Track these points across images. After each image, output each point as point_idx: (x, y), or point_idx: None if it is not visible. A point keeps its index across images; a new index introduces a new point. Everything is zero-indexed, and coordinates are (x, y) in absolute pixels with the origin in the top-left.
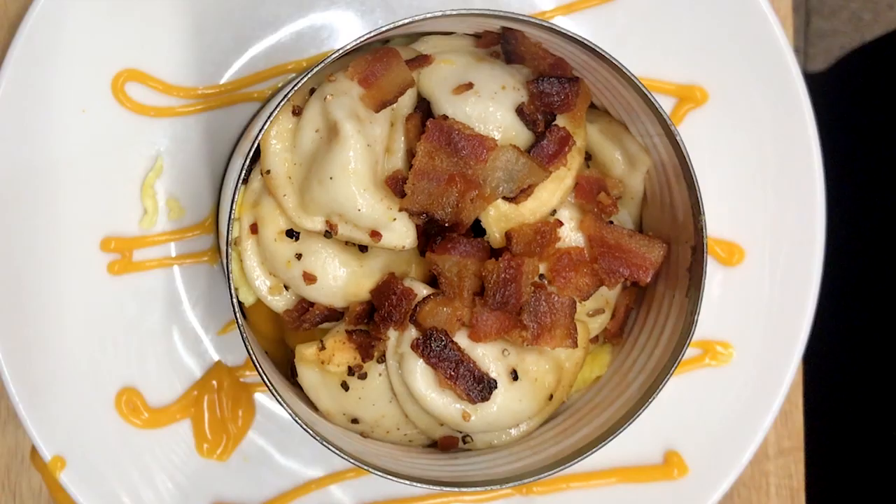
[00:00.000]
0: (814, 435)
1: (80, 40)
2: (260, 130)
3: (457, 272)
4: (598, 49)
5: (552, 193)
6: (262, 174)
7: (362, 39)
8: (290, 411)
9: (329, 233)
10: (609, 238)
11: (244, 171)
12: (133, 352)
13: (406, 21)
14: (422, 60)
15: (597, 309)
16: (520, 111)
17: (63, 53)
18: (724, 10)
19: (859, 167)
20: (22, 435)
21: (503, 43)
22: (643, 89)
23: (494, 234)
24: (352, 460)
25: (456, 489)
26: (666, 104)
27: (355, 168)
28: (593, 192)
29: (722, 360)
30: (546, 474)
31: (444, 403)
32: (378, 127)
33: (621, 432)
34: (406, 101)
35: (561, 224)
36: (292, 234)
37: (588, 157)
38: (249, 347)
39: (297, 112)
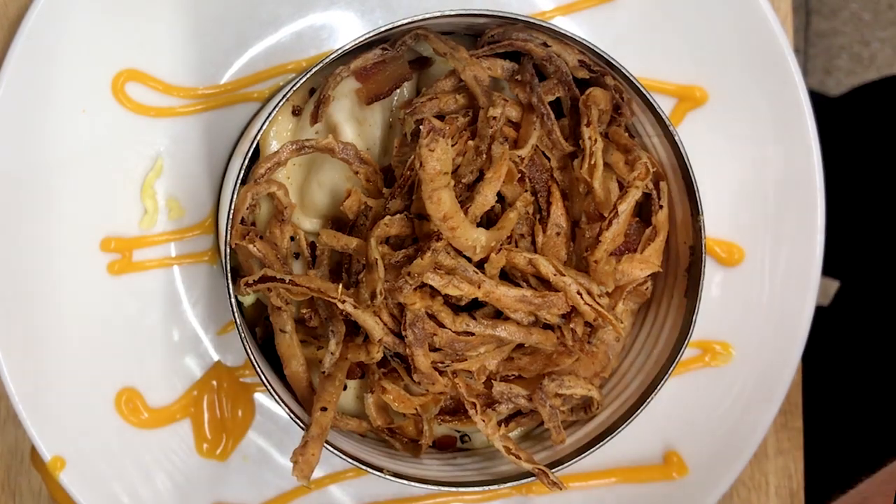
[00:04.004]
0: (813, 435)
1: (80, 40)
2: (259, 130)
3: None
4: (597, 49)
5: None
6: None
7: (362, 39)
8: (288, 411)
9: None
10: None
11: (243, 171)
12: (133, 352)
13: (406, 21)
14: (422, 62)
15: None
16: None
17: (63, 53)
18: (723, 10)
19: (859, 166)
20: (22, 435)
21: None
22: (641, 89)
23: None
24: (351, 460)
25: (455, 489)
26: (666, 104)
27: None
28: None
29: (721, 360)
30: None
31: None
32: (377, 129)
33: (620, 432)
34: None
35: None
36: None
37: None
38: (248, 347)
39: (297, 112)
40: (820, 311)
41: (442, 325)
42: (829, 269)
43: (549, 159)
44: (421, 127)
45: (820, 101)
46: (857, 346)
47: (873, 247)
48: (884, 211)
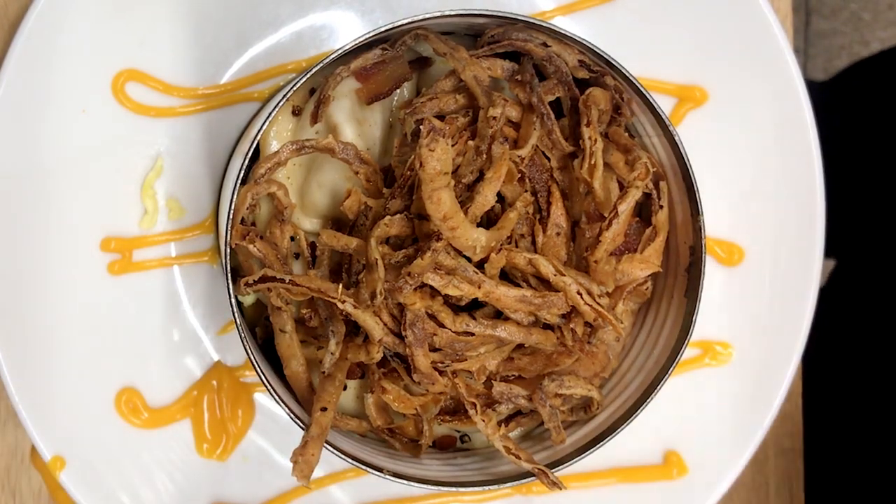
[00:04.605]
0: (813, 435)
1: (80, 40)
2: (259, 130)
3: None
4: (597, 49)
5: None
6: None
7: (362, 39)
8: (288, 411)
9: None
10: None
11: (243, 171)
12: (133, 352)
13: (406, 21)
14: (422, 62)
15: None
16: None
17: (63, 53)
18: (723, 10)
19: (859, 166)
20: (22, 435)
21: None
22: (642, 89)
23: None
24: (351, 460)
25: (455, 489)
26: (666, 104)
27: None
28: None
29: (721, 360)
30: None
31: None
32: (377, 129)
33: (620, 431)
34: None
35: None
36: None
37: None
38: (248, 347)
39: (297, 112)
40: (820, 311)
41: (442, 325)
42: (829, 268)
43: (549, 159)
44: (421, 127)
45: (811, 86)
46: (856, 334)
47: (870, 225)
48: (879, 189)
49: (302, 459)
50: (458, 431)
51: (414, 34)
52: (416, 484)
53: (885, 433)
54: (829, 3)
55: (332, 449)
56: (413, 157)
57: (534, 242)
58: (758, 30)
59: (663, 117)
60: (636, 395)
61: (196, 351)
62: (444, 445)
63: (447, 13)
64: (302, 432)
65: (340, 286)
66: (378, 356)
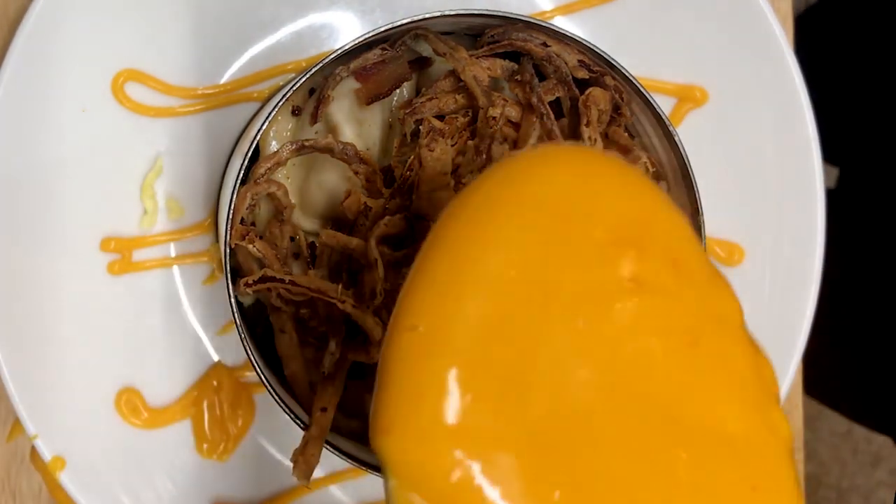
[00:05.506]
0: (813, 434)
1: (80, 40)
2: (259, 130)
3: None
4: (597, 49)
5: None
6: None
7: (362, 39)
8: (288, 411)
9: None
10: None
11: (243, 171)
12: (133, 352)
13: (406, 21)
14: (422, 62)
15: None
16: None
17: (63, 53)
18: (724, 10)
19: (859, 166)
20: (22, 435)
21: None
22: (642, 89)
23: None
24: (351, 460)
25: None
26: (666, 104)
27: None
28: None
29: None
30: None
31: None
32: (377, 129)
33: None
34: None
35: None
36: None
37: None
38: (248, 347)
39: (297, 112)
40: (820, 311)
41: None
42: (829, 268)
43: None
44: (420, 127)
45: (798, 19)
46: (857, 346)
47: (874, 245)
48: (884, 210)
49: (302, 459)
50: None
51: (414, 34)
52: None
53: (885, 433)
54: None
55: (332, 449)
56: (413, 157)
57: None
58: (758, 30)
59: (663, 117)
60: None
61: (196, 351)
62: None
63: (447, 13)
64: (302, 432)
65: (340, 286)
66: (378, 356)
